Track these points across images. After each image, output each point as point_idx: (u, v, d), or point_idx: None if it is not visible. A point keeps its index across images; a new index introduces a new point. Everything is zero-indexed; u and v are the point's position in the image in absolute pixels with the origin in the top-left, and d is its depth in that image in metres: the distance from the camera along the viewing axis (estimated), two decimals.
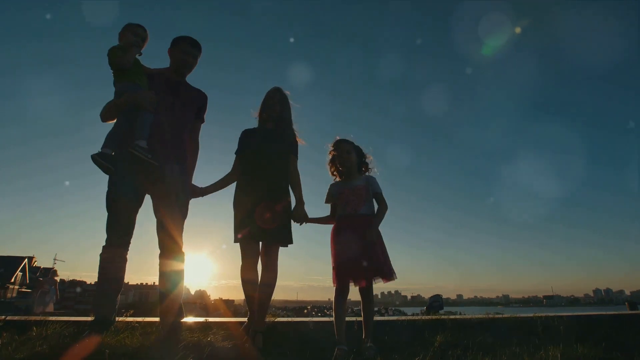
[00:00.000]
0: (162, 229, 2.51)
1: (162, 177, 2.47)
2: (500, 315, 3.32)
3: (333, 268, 2.58)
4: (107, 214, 2.43)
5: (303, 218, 2.67)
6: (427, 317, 3.24)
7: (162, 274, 2.50)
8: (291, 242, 2.69)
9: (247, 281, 2.62)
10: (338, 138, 2.84)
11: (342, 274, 2.53)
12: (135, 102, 2.42)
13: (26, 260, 40.19)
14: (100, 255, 2.41)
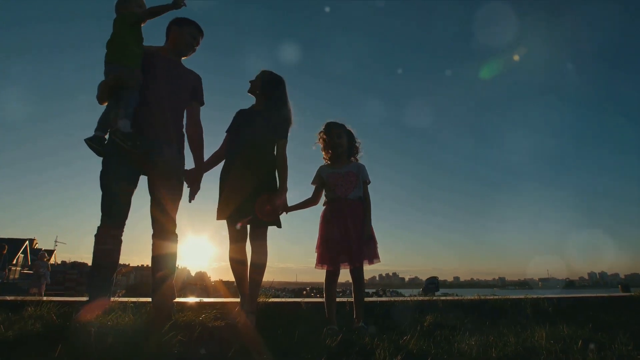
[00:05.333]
0: (155, 210, 2.51)
1: (154, 157, 2.45)
2: (490, 297, 3.38)
3: (321, 251, 2.59)
4: (101, 194, 2.43)
5: (283, 207, 2.61)
6: (419, 298, 3.29)
7: (155, 255, 2.52)
8: (279, 225, 2.67)
9: (237, 263, 2.63)
10: (330, 122, 2.80)
11: (334, 257, 2.54)
12: (119, 80, 2.38)
13: (27, 242, 40.61)
14: (95, 236, 2.42)
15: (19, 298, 2.70)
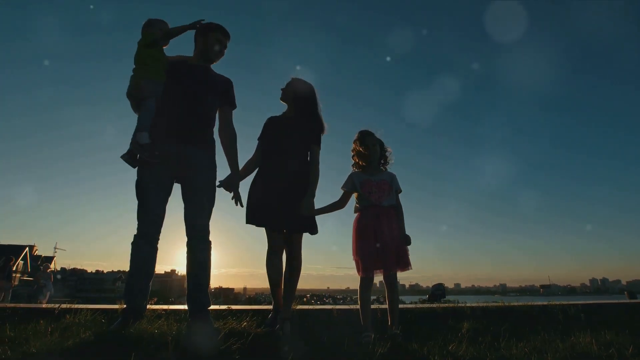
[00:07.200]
0: (188, 217, 2.51)
1: (187, 164, 2.47)
2: (517, 303, 3.38)
3: (359, 258, 2.59)
4: (137, 203, 2.45)
5: (310, 211, 2.65)
6: (445, 305, 3.29)
7: (189, 262, 2.52)
8: (316, 231, 2.69)
9: (273, 270, 2.64)
10: (364, 130, 2.82)
11: (371, 264, 2.55)
12: (130, 93, 2.45)
13: (27, 248, 40.45)
14: (132, 244, 2.43)
15: (55, 306, 2.70)
